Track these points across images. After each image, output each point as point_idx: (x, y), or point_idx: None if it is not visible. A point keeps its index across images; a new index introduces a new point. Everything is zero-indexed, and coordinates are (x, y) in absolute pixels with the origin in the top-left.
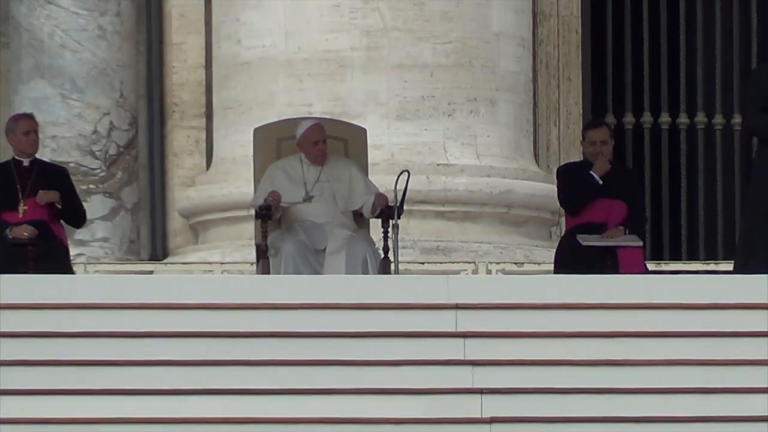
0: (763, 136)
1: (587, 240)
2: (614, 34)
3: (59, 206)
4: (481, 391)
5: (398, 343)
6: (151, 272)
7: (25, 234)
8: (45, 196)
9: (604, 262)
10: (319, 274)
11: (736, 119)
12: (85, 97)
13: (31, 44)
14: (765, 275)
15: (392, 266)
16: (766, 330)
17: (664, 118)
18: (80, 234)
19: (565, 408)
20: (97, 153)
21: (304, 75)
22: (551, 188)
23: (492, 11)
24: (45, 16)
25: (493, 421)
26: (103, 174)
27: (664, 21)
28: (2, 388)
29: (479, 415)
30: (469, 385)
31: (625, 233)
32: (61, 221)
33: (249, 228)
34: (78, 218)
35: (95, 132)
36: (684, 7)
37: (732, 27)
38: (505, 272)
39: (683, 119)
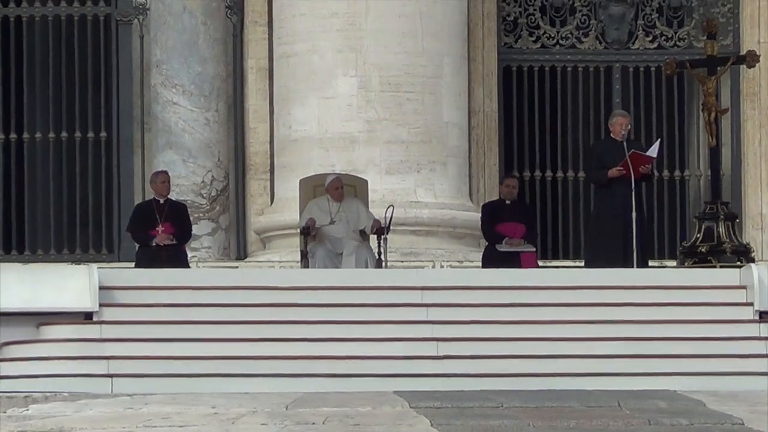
0: (598, 184)
1: (501, 247)
2: (518, 122)
3: (174, 241)
4: (437, 340)
5: (385, 311)
6: (236, 267)
7: (166, 241)
8: (163, 238)
9: (512, 261)
10: (339, 268)
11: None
12: (197, 161)
13: (164, 129)
14: (606, 269)
15: (383, 264)
16: (607, 302)
17: (550, 173)
18: (194, 244)
19: (493, 350)
20: (203, 194)
21: (329, 147)
22: (479, 216)
23: (443, 108)
24: (173, 112)
25: (445, 357)
26: (207, 208)
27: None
28: (155, 337)
29: (435, 354)
30: (429, 336)
31: (524, 243)
32: None
33: (295, 240)
34: (186, 238)
35: (203, 182)
36: (560, 97)
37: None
38: (451, 267)
39: (562, 174)
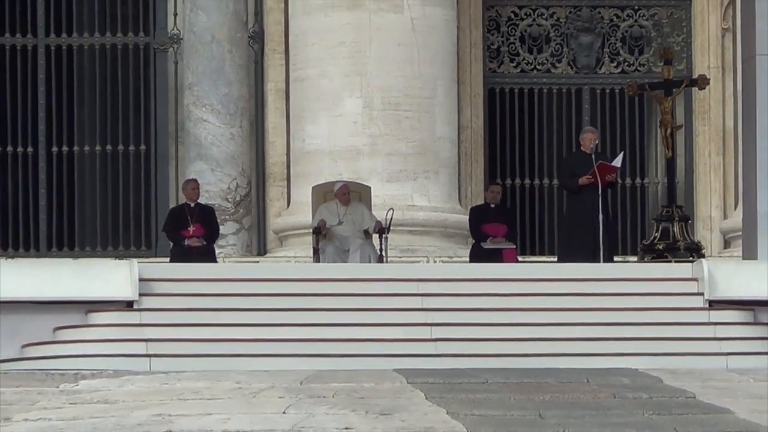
0: (569, 190)
1: (486, 245)
2: (501, 136)
3: (204, 243)
4: (431, 325)
5: (386, 300)
6: (257, 262)
7: (197, 243)
8: (193, 240)
9: (495, 256)
10: (345, 263)
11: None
12: (223, 170)
13: (195, 142)
14: (577, 264)
15: (384, 259)
16: (577, 292)
17: (528, 180)
18: (221, 242)
19: (479, 333)
20: (229, 199)
21: (337, 158)
22: (467, 218)
23: (436, 125)
24: (203, 128)
25: (437, 340)
26: (232, 211)
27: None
28: (187, 322)
29: (429, 337)
30: (424, 321)
31: (506, 241)
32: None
33: (308, 239)
34: (214, 237)
35: (228, 188)
36: (537, 115)
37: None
38: (443, 262)
39: (539, 181)
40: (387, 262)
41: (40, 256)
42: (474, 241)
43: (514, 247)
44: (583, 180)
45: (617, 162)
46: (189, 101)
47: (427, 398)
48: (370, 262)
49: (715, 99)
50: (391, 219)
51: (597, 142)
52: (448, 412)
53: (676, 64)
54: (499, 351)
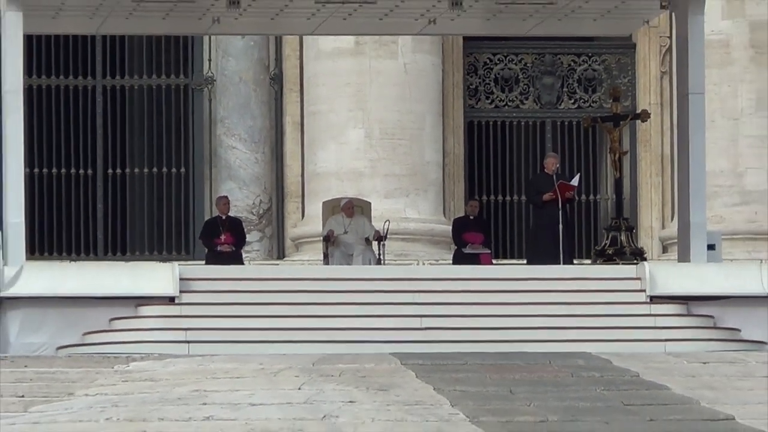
0: (535, 205)
1: (466, 250)
2: (478, 161)
3: (233, 249)
4: (421, 316)
5: (384, 295)
6: (277, 264)
7: (227, 249)
8: (224, 247)
9: (474, 260)
10: (350, 265)
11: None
12: (249, 189)
13: (225, 166)
14: (541, 265)
15: (382, 262)
16: (542, 289)
17: (501, 197)
18: (247, 248)
19: (461, 323)
20: (254, 212)
21: (343, 179)
22: (450, 228)
23: (425, 152)
24: (232, 154)
25: (426, 329)
26: (256, 222)
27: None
28: (219, 314)
29: (420, 326)
30: (415, 313)
31: (482, 247)
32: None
33: (319, 245)
34: (241, 244)
35: (253, 204)
36: (508, 143)
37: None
38: (431, 264)
39: (510, 197)
40: (384, 264)
41: (98, 259)
42: (456, 247)
43: (490, 251)
44: (547, 196)
45: (574, 181)
46: (221, 132)
47: (417, 377)
48: (370, 264)
49: (654, 130)
50: (388, 229)
51: (558, 165)
52: (434, 388)
53: (622, 101)
54: (476, 338)
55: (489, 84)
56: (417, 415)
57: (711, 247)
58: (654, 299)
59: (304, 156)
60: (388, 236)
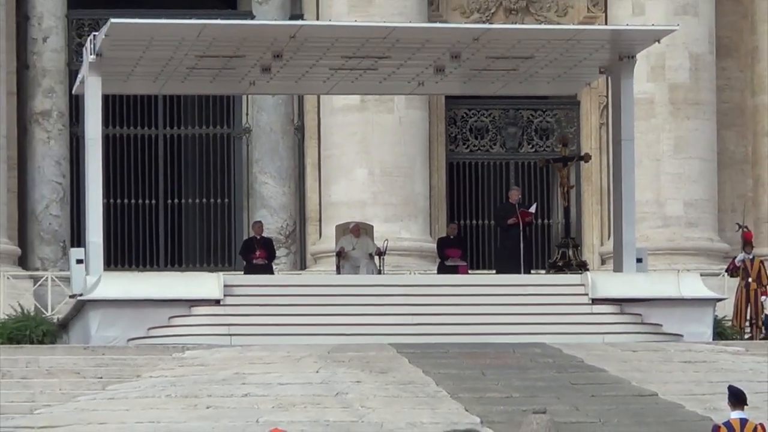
0: (502, 228)
1: (448, 263)
2: (456, 193)
3: (266, 262)
4: (413, 314)
5: (383, 298)
6: (300, 274)
7: (261, 262)
8: (259, 261)
9: (454, 270)
10: (357, 275)
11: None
12: (278, 215)
13: (260, 197)
14: (507, 274)
15: (382, 272)
16: (507, 293)
17: (475, 221)
18: (276, 262)
19: (443, 320)
20: (281, 234)
21: (351, 207)
22: (435, 246)
23: (415, 186)
24: (265, 188)
25: (417, 324)
26: (284, 241)
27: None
28: (255, 313)
29: (412, 322)
30: (408, 312)
31: (461, 260)
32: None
33: (332, 259)
34: (272, 258)
35: (281, 227)
36: (481, 180)
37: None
38: (420, 274)
39: (482, 221)
40: (384, 274)
41: (160, 270)
42: (440, 260)
43: (466, 264)
44: (511, 221)
45: (532, 209)
46: (255, 170)
47: (409, 362)
48: (373, 274)
49: (595, 168)
50: (387, 246)
51: (519, 196)
52: (423, 371)
53: (570, 146)
54: (456, 331)
55: (465, 133)
56: (409, 392)
57: (639, 260)
58: (595, 301)
59: (321, 189)
60: (386, 252)
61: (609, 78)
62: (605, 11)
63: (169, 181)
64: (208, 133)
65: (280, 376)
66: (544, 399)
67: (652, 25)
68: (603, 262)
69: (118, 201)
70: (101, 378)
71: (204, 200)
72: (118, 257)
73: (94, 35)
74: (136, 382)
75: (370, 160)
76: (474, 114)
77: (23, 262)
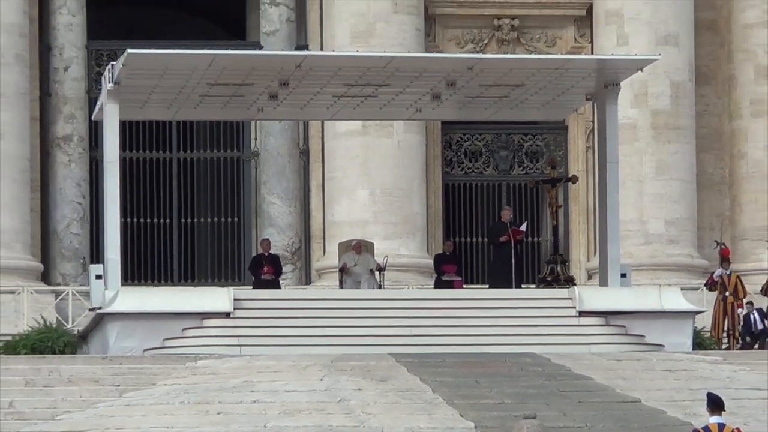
0: (494, 245)
1: (444, 278)
2: (452, 212)
3: (273, 277)
4: (411, 326)
5: (383, 311)
6: (305, 288)
7: (269, 278)
8: (266, 276)
9: (449, 285)
10: (359, 289)
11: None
12: (285, 233)
13: (267, 217)
14: (499, 289)
15: (382, 287)
16: (500, 306)
17: (470, 238)
18: (283, 277)
19: (440, 331)
20: (288, 251)
21: (354, 226)
22: (431, 262)
23: (413, 205)
24: (272, 208)
25: (415, 335)
26: (290, 257)
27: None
28: (263, 325)
29: (410, 333)
30: (407, 324)
31: (456, 275)
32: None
33: (336, 274)
34: (279, 274)
35: (287, 244)
36: (475, 200)
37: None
38: (417, 288)
39: (476, 239)
40: (384, 288)
41: (174, 284)
42: (436, 275)
43: (461, 279)
44: (503, 238)
45: (523, 227)
46: (264, 191)
47: (408, 371)
48: (373, 288)
49: (582, 189)
50: (386, 262)
51: (510, 215)
52: (420, 379)
53: (558, 168)
54: (451, 342)
55: (460, 156)
56: (408, 399)
57: (623, 275)
58: (582, 314)
59: (325, 209)
60: (386, 268)
61: (595, 104)
62: (591, 42)
63: (183, 202)
64: (219, 156)
65: (287, 383)
66: (534, 405)
67: (636, 54)
68: (589, 277)
69: (135, 220)
70: (119, 386)
71: (215, 219)
72: (134, 273)
73: (112, 65)
74: (152, 389)
75: (371, 182)
76: (468, 138)
77: (46, 277)
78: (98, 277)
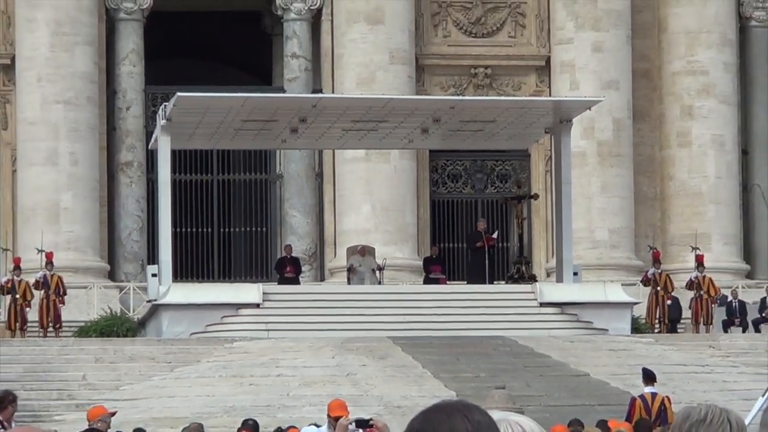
0: (472, 250)
1: (432, 276)
2: (439, 224)
3: (294, 276)
4: (405, 314)
5: (382, 303)
6: (320, 284)
7: (291, 276)
8: (289, 274)
9: (436, 282)
10: (363, 285)
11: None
12: (303, 240)
13: (290, 227)
14: (477, 284)
15: (381, 283)
16: (477, 298)
17: (452, 244)
18: (302, 276)
19: (429, 319)
20: (306, 254)
21: (359, 234)
22: (421, 263)
23: (406, 217)
24: (294, 220)
25: (408, 322)
26: (307, 259)
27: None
28: (286, 314)
29: (404, 321)
30: (401, 313)
31: (441, 274)
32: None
33: (344, 273)
34: (299, 273)
35: (305, 249)
36: (457, 214)
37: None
38: (410, 284)
39: (458, 245)
40: (383, 284)
41: (214, 281)
42: (425, 274)
43: (445, 276)
44: (479, 244)
45: (495, 235)
46: (287, 206)
47: (402, 351)
48: (375, 284)
49: (543, 205)
50: (385, 264)
51: (485, 226)
52: (412, 357)
53: (523, 187)
54: (438, 327)
55: (444, 178)
56: (402, 373)
57: (575, 273)
58: (542, 305)
59: (336, 221)
60: (385, 268)
61: (552, 136)
62: (549, 87)
63: (221, 215)
64: (251, 178)
65: (305, 361)
66: (503, 378)
67: (585, 97)
68: (548, 275)
69: (183, 229)
70: (170, 362)
71: (247, 229)
72: (183, 272)
73: (165, 105)
74: (196, 365)
75: (373, 199)
76: (451, 163)
77: (111, 275)
78: (154, 275)
